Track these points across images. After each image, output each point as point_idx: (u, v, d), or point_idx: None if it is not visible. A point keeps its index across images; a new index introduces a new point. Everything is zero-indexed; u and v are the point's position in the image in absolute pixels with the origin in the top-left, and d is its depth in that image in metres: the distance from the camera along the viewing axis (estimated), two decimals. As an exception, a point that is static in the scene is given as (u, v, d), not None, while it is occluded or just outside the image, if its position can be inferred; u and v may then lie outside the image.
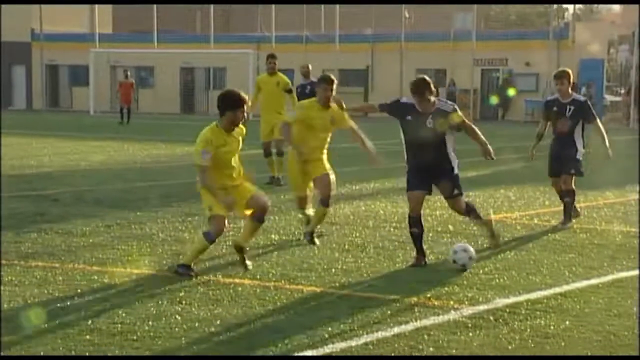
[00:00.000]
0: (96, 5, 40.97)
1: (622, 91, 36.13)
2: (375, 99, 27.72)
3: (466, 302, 5.67)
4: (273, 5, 39.50)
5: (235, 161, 6.44)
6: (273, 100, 11.67)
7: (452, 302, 5.69)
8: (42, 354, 4.53)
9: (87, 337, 4.76)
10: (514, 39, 37.83)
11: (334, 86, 7.65)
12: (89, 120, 32.33)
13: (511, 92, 34.48)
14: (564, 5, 47.71)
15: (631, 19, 36.29)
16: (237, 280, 6.23)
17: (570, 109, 8.71)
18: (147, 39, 39.73)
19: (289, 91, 11.74)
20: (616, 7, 59.89)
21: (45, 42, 40.16)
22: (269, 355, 4.59)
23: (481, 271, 6.62)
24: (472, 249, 6.65)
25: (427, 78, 6.84)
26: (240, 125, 6.45)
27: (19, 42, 40.62)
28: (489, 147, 6.87)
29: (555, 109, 8.87)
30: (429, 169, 6.83)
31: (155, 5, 39.16)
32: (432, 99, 6.72)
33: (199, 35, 45.14)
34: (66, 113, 38.51)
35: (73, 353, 4.51)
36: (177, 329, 4.94)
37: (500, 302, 5.70)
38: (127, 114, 28.77)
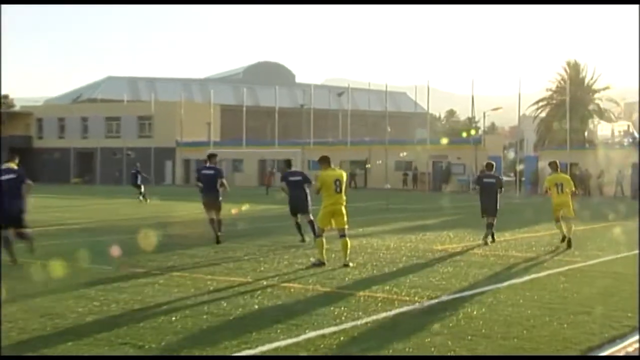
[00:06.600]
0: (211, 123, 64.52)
1: (512, 174, 53.74)
2: (371, 178, 55.60)
3: (425, 297, 8.50)
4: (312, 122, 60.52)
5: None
6: None
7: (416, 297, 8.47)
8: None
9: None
10: (452, 144, 58.65)
11: None
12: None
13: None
14: (479, 123, 68.71)
15: (517, 134, 60.37)
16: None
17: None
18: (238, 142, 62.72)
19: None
20: (507, 127, 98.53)
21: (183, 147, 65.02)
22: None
23: (433, 279, 9.95)
24: None
25: None
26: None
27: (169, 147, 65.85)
28: None
29: (484, 180, 15.53)
30: None
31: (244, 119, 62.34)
32: None
33: (268, 140, 66.32)
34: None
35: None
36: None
37: (445, 297, 8.54)
38: None
